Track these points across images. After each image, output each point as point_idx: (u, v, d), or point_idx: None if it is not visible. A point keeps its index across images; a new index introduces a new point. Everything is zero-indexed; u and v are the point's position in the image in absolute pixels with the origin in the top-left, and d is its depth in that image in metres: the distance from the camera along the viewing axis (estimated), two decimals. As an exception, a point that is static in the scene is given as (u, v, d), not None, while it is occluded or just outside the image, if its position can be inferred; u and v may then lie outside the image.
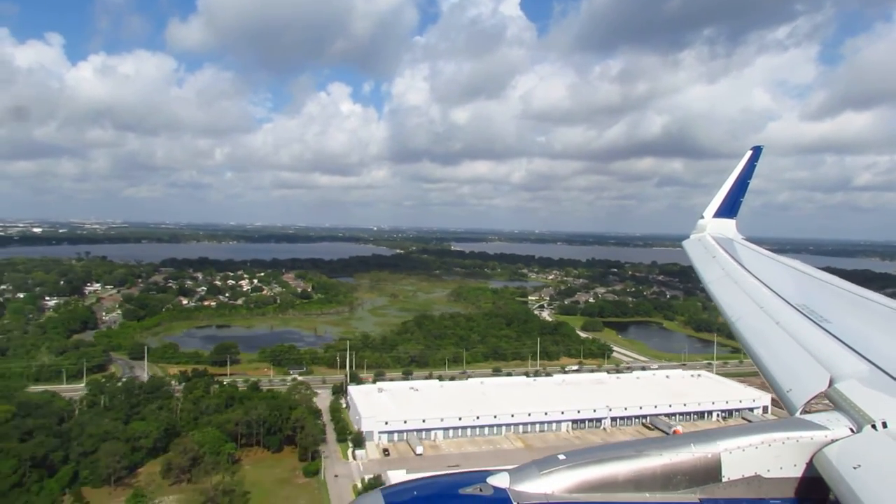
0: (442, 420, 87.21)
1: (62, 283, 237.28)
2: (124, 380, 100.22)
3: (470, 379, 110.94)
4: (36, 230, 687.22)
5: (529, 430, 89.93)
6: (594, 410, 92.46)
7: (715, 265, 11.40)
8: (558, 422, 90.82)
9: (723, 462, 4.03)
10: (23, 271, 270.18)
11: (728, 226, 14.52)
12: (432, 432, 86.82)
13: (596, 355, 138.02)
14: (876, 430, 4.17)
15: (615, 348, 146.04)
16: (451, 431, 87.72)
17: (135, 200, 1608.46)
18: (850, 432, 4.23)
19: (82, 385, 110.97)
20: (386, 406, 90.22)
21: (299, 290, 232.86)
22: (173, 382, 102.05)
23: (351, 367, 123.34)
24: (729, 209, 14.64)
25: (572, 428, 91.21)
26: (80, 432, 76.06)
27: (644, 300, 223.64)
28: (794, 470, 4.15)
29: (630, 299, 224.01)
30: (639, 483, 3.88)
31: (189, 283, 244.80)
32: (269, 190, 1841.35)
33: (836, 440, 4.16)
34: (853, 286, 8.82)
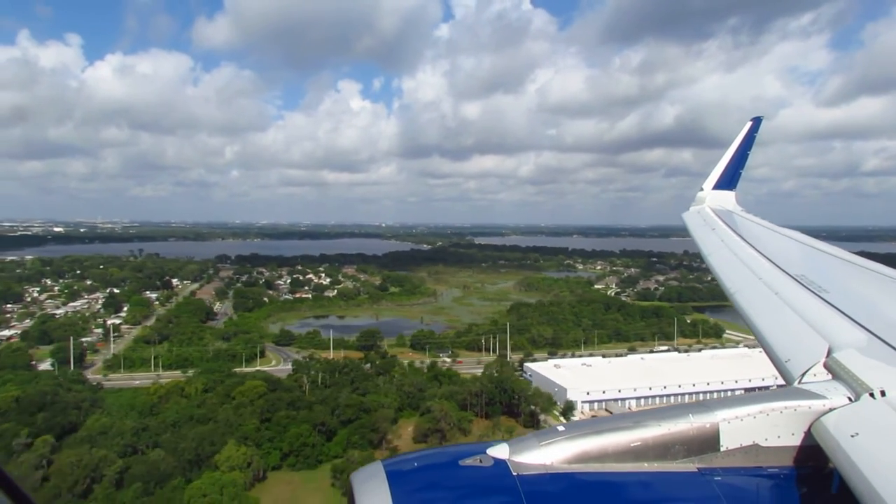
0: (635, 389, 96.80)
1: (141, 278, 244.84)
2: (321, 361, 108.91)
3: (630, 355, 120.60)
4: (57, 229, 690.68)
5: (707, 397, 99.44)
6: (762, 379, 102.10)
7: (714, 237, 11.36)
8: (732, 390, 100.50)
9: (721, 432, 3.99)
10: (90, 267, 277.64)
11: (727, 197, 14.53)
12: (626, 401, 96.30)
13: (709, 335, 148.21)
14: (874, 398, 4.12)
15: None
16: (641, 400, 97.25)
17: (139, 200, 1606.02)
18: (847, 401, 4.17)
19: (257, 368, 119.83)
20: (568, 379, 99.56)
21: (377, 283, 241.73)
22: (366, 364, 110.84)
23: (493, 349, 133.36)
24: (728, 181, 14.67)
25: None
26: (335, 404, 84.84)
27: (710, 285, 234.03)
28: (793, 439, 4.09)
29: (698, 285, 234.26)
30: (638, 453, 3.88)
31: (258, 277, 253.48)
32: (275, 188, 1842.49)
33: (834, 409, 4.11)
34: (851, 255, 8.86)
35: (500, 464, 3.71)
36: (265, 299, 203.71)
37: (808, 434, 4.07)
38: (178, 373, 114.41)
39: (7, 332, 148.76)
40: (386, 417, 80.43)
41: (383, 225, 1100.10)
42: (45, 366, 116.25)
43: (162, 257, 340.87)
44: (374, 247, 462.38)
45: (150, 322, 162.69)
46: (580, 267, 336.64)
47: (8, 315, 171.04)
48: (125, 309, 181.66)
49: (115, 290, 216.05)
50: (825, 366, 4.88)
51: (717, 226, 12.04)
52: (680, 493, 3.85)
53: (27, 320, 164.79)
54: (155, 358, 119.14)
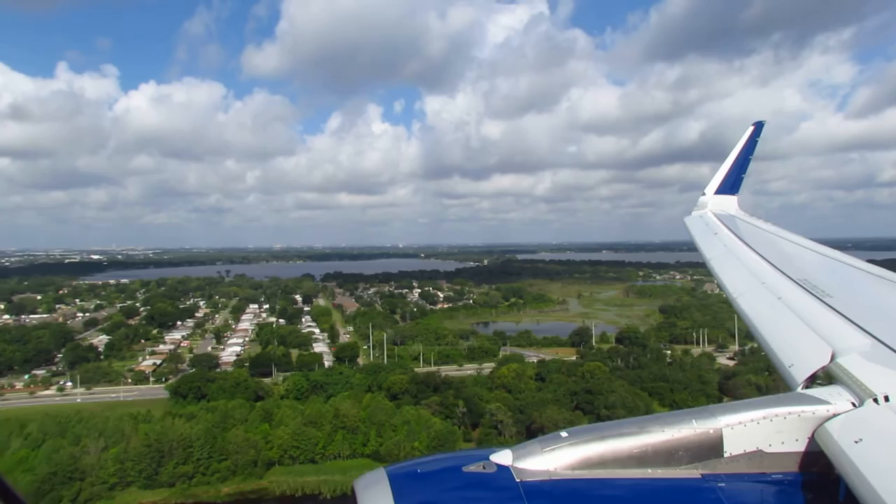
0: None
1: (274, 295, 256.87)
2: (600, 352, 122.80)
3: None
4: (96, 257, 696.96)
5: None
6: None
7: (716, 241, 11.39)
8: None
9: (725, 437, 4.03)
10: (198, 289, 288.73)
11: (730, 202, 14.59)
12: None
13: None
14: (878, 403, 4.13)
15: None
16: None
17: (150, 227, 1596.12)
18: (851, 406, 4.19)
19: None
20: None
21: (499, 294, 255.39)
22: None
23: (698, 342, 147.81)
24: (731, 186, 14.75)
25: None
26: (675, 377, 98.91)
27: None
28: (797, 444, 4.12)
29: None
30: (641, 459, 3.95)
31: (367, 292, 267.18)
32: (289, 212, 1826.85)
33: (838, 415, 4.13)
34: (854, 260, 8.88)
35: (504, 470, 3.79)
36: (414, 309, 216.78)
37: (812, 440, 4.09)
38: (453, 366, 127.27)
39: (237, 340, 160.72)
40: (744, 384, 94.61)
41: (401, 245, 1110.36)
42: (328, 363, 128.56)
43: (250, 278, 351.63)
44: (419, 265, 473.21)
45: (342, 330, 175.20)
46: (658, 277, 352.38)
47: (207, 327, 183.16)
48: (304, 319, 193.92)
49: (267, 306, 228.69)
50: (828, 371, 4.86)
51: (719, 230, 12.12)
52: (684, 499, 3.92)
53: (228, 332, 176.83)
54: (423, 355, 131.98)
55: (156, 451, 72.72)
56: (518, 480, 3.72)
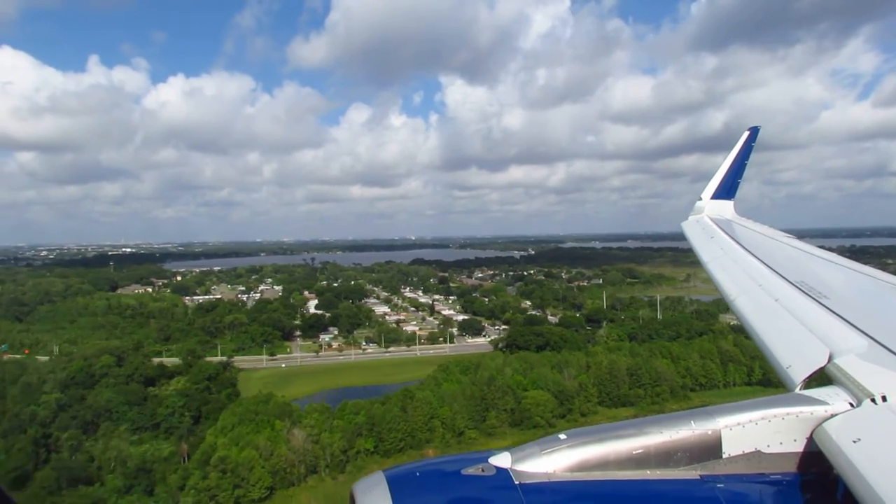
0: None
1: (398, 279, 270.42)
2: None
3: None
4: (128, 249, 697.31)
5: None
6: None
7: (713, 245, 11.40)
8: None
9: (723, 438, 4.06)
10: (302, 278, 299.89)
11: (726, 207, 14.71)
12: None
13: None
14: (875, 404, 4.17)
15: None
16: None
17: (157, 221, 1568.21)
18: (849, 407, 4.23)
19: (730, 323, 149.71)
20: None
21: (619, 274, 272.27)
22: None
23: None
24: (727, 191, 14.84)
25: None
26: None
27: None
28: (795, 445, 4.14)
29: None
30: (640, 460, 3.96)
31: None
32: (298, 205, 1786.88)
33: (836, 415, 4.17)
34: (850, 262, 9.06)
35: (503, 473, 3.78)
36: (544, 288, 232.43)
37: (811, 440, 4.11)
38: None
39: (450, 311, 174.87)
40: None
41: (413, 238, 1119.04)
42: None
43: (340, 265, 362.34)
44: (463, 255, 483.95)
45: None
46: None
47: (397, 303, 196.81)
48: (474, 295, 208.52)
49: (407, 289, 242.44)
50: (826, 371, 4.89)
51: (715, 234, 12.25)
52: (683, 500, 3.93)
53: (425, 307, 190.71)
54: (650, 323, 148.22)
55: (612, 377, 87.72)
56: (517, 483, 3.76)
